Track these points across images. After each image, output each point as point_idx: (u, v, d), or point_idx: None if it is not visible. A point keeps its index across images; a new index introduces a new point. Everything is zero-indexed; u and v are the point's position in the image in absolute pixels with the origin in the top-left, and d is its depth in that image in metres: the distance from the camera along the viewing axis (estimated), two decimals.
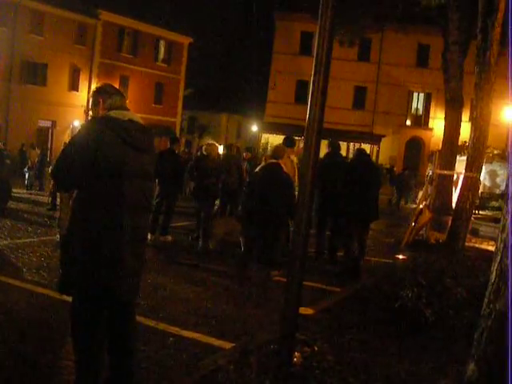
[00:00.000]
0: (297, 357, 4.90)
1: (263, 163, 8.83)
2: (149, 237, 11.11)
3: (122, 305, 3.97)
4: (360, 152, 9.81)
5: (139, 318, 5.86)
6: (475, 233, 15.82)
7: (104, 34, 42.24)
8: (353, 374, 4.82)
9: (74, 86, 40.86)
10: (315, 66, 3.25)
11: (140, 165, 3.89)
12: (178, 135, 46.22)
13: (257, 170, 8.72)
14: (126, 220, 3.76)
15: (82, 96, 40.67)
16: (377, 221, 10.58)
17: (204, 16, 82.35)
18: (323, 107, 3.24)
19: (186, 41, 49.45)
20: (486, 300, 4.22)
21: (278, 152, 8.39)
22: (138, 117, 4.04)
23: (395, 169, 30.41)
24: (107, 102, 3.96)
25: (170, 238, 11.61)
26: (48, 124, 39.49)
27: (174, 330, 5.95)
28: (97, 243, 3.68)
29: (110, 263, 3.72)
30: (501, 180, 23.70)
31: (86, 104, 39.17)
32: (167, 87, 48.32)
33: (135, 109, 40.81)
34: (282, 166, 8.28)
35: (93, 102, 4.05)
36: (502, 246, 4.06)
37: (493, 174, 25.11)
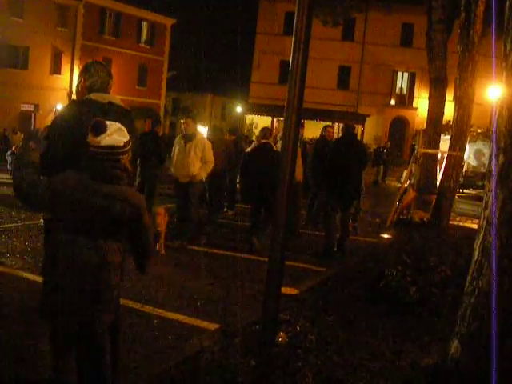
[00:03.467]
0: (281, 337, 4.91)
1: (255, 143, 9.95)
2: None
3: None
4: (346, 130, 9.73)
5: (124, 301, 5.85)
6: (459, 211, 15.91)
7: (86, 16, 41.60)
8: (337, 352, 4.84)
9: (56, 69, 40.32)
10: (294, 43, 3.21)
11: None
12: (162, 117, 46.01)
13: (248, 149, 9.81)
14: None
15: (65, 79, 40.23)
16: (361, 200, 10.59)
17: None
18: (303, 86, 3.21)
19: (168, 22, 48.95)
20: (469, 277, 4.25)
21: (266, 133, 9.62)
22: (118, 99, 4.00)
23: (385, 150, 30.00)
24: (88, 81, 3.95)
25: None
26: (30, 108, 39.01)
27: (159, 312, 5.95)
28: None
29: None
30: (486, 159, 23.81)
31: (68, 87, 38.78)
32: (151, 69, 47.89)
33: (119, 91, 40.52)
34: (272, 144, 9.41)
35: (78, 80, 4.08)
36: (484, 223, 4.08)
37: (478, 153, 25.22)
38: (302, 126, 10.76)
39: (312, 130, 33.38)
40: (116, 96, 4.05)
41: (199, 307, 6.28)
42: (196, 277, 7.59)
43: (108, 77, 4.06)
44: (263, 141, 9.42)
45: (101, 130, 3.19)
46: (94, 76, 3.96)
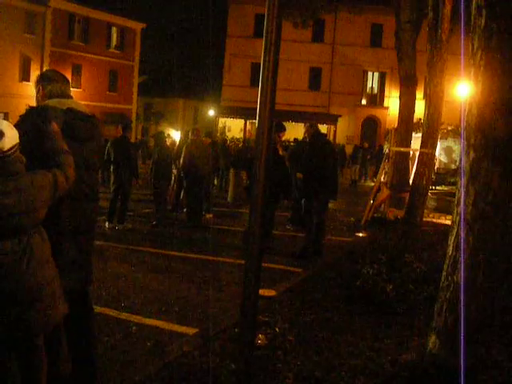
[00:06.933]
0: (261, 339, 4.92)
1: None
2: (107, 225, 11.08)
3: (75, 296, 3.86)
4: (315, 131, 9.73)
5: (101, 309, 5.83)
6: (432, 207, 16.10)
7: (54, 22, 41.26)
8: (316, 352, 4.86)
9: (25, 76, 39.91)
10: (265, 45, 3.21)
11: (80, 155, 3.72)
12: (134, 122, 45.78)
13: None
14: (64, 211, 3.62)
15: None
16: (336, 200, 10.64)
17: (156, 0, 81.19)
18: (275, 87, 3.21)
19: (138, 26, 48.77)
20: (444, 273, 4.30)
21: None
22: (81, 105, 3.88)
23: (361, 150, 30.27)
24: (47, 88, 3.81)
25: (129, 225, 11.52)
26: (0, 116, 38.58)
27: (137, 318, 5.91)
28: None
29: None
30: (456, 155, 24.13)
31: None
32: (121, 74, 47.65)
33: (89, 97, 40.26)
34: (278, 147, 9.96)
35: (35, 89, 3.92)
36: (458, 219, 4.13)
37: (449, 150, 25.57)
38: (284, 128, 10.47)
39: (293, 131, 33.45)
40: (79, 102, 3.92)
41: (177, 312, 6.24)
42: (172, 281, 7.55)
43: (66, 82, 3.93)
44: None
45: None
46: (52, 82, 3.83)
